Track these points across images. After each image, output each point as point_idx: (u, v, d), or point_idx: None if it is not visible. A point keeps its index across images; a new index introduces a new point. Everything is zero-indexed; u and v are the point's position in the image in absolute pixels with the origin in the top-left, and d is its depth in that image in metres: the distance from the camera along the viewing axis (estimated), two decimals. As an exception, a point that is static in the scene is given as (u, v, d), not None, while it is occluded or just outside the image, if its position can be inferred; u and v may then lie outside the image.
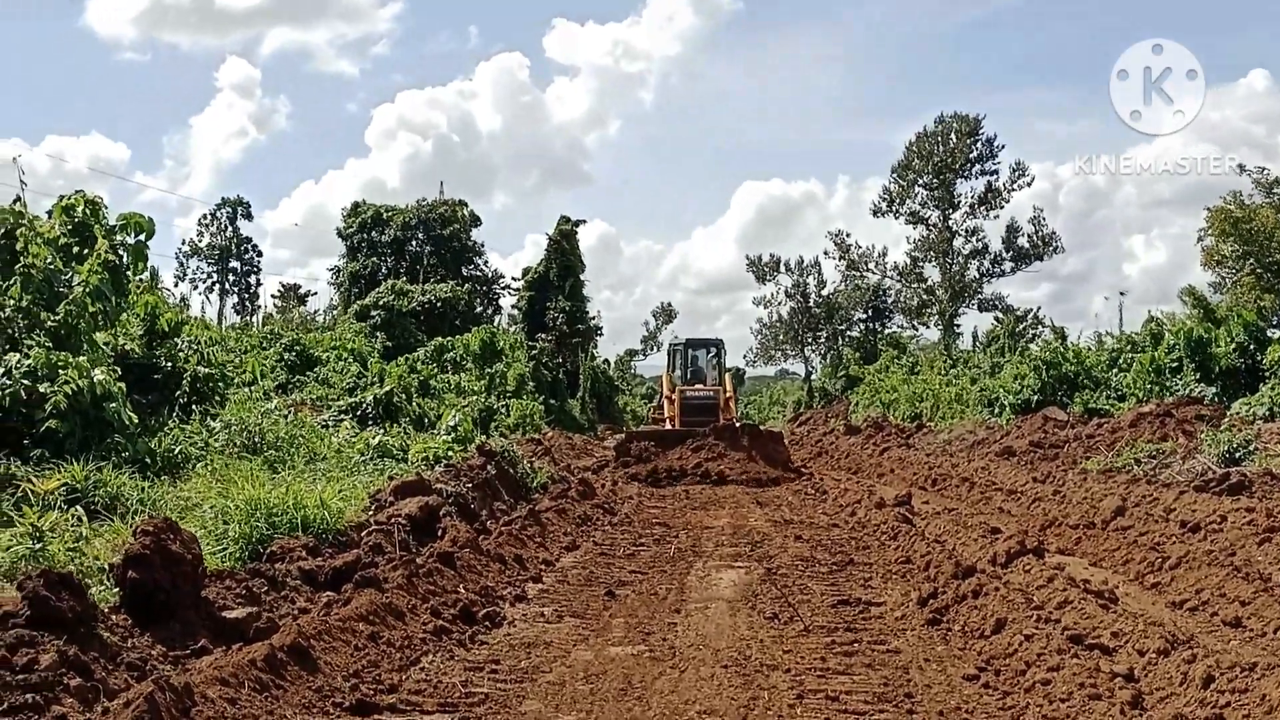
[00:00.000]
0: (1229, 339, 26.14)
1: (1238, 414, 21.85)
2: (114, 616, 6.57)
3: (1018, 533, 10.45)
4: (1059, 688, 5.66)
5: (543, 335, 54.02)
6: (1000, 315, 62.21)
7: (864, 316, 77.71)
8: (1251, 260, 43.17)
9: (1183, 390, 25.89)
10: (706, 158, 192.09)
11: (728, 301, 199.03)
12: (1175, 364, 27.43)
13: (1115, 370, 31.07)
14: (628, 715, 5.75)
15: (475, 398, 30.66)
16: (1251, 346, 25.55)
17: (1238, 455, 17.33)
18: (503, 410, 32.29)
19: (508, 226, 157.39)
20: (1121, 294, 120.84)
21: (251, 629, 6.87)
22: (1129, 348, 32.13)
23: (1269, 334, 26.39)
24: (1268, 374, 23.62)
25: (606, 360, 73.50)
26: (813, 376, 79.04)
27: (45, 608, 5.88)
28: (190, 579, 6.99)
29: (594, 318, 60.70)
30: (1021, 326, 58.95)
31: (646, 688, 6.30)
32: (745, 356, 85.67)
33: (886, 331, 74.25)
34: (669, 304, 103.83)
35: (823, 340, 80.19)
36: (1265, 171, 43.07)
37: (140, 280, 15.65)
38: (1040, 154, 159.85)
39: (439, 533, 10.72)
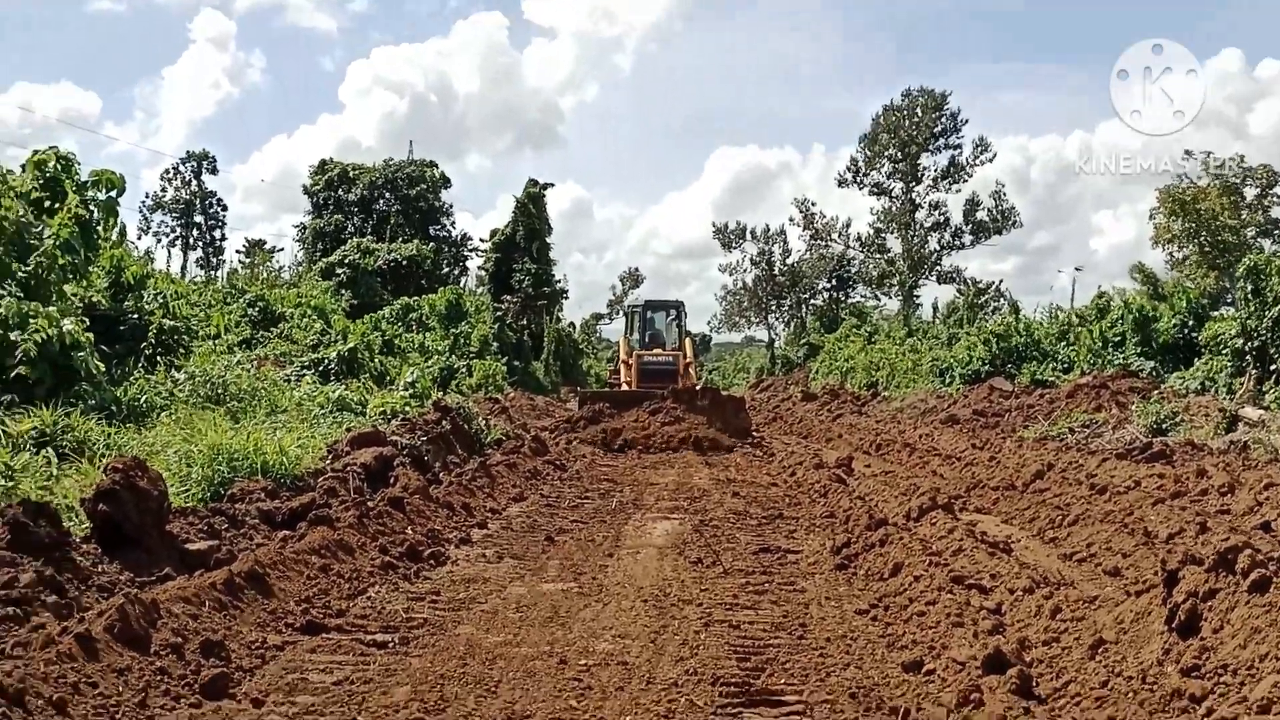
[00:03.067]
0: (1171, 315, 27.06)
1: (1171, 387, 22.72)
2: (85, 545, 7.18)
3: (930, 490, 11.13)
4: (931, 618, 6.37)
5: (508, 297, 54.41)
6: (962, 287, 63.30)
7: (828, 286, 78.55)
8: (1199, 239, 44.37)
9: (1125, 363, 26.72)
10: (682, 123, 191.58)
11: (698, 267, 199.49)
12: (1119, 338, 28.32)
13: (1064, 344, 31.93)
14: (550, 637, 6.42)
15: (438, 357, 31.10)
16: (1190, 323, 26.46)
17: (1164, 426, 18.15)
18: (464, 370, 32.74)
19: (481, 187, 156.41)
20: (1077, 269, 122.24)
21: (212, 559, 7.51)
22: (1078, 322, 33.03)
23: (1209, 312, 27.31)
24: (1203, 349, 24.51)
25: (572, 323, 74.06)
26: (776, 344, 79.92)
27: (24, 533, 6.48)
28: (156, 513, 7.60)
29: (560, 281, 61.22)
30: (983, 299, 60.02)
31: (571, 616, 6.98)
32: (710, 323, 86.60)
33: (850, 301, 75.13)
34: (636, 268, 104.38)
35: (786, 308, 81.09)
36: (1210, 155, 44.42)
37: (111, 235, 16.06)
38: (1017, 127, 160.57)
39: (391, 481, 11.34)
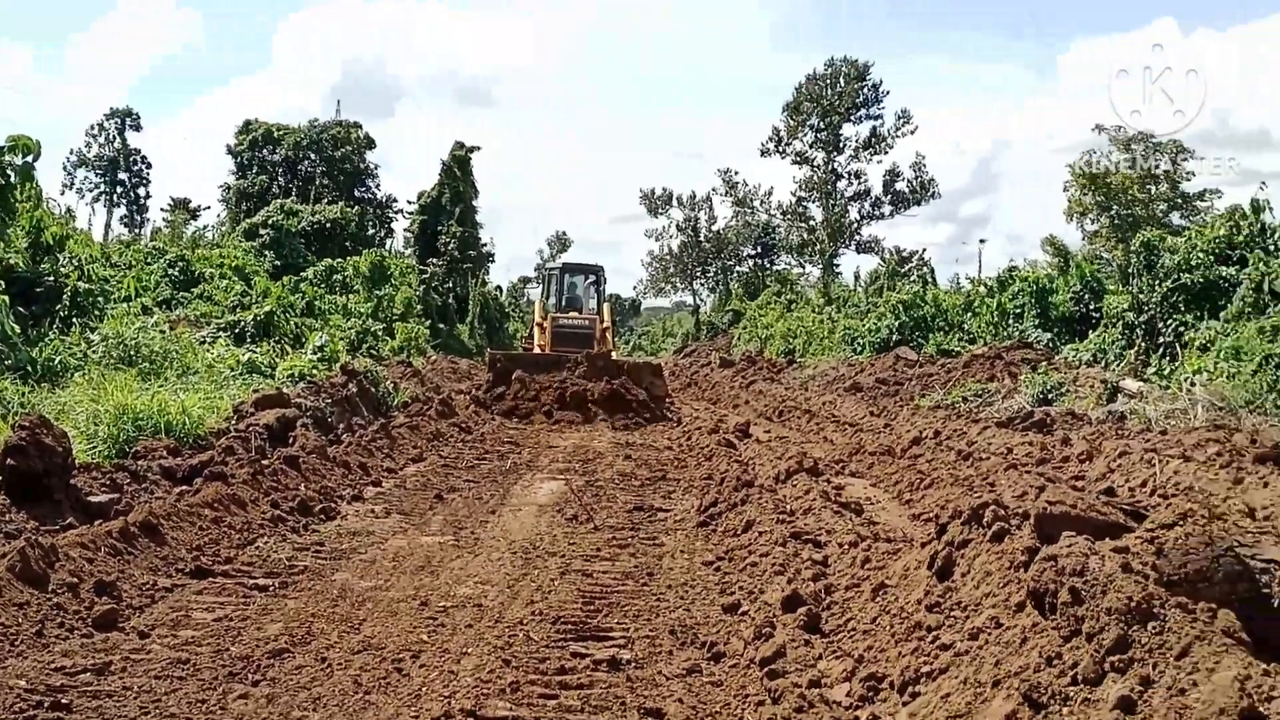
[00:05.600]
0: (1066, 288, 28.12)
1: (1064, 358, 23.72)
2: (-7, 497, 7.72)
3: (799, 455, 11.89)
4: (761, 568, 7.13)
5: (434, 260, 54.79)
6: (885, 257, 64.52)
7: (753, 253, 79.59)
8: (1110, 213, 45.68)
9: (1023, 335, 27.72)
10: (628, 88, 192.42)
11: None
12: (1019, 310, 29.36)
13: (970, 315, 32.94)
14: (418, 583, 7.09)
15: (357, 320, 31.39)
16: (1087, 296, 27.52)
17: (1050, 396, 19.04)
18: (383, 333, 33.05)
19: (413, 144, 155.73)
20: (982, 241, 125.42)
21: (113, 511, 8.09)
22: (986, 293, 34.04)
23: (1104, 285, 28.37)
24: (1099, 323, 25.57)
25: (498, 287, 74.57)
26: (701, 310, 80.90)
27: (-67, 485, 7.03)
28: (61, 468, 8.17)
29: (486, 244, 61.64)
30: (906, 268, 61.18)
31: (441, 566, 7.66)
32: (635, 288, 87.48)
33: (775, 269, 76.18)
34: (564, 232, 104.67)
35: (712, 274, 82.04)
36: (1121, 130, 45.44)
37: (29, 199, 16.35)
38: (955, 99, 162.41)
39: (291, 441, 11.91)
